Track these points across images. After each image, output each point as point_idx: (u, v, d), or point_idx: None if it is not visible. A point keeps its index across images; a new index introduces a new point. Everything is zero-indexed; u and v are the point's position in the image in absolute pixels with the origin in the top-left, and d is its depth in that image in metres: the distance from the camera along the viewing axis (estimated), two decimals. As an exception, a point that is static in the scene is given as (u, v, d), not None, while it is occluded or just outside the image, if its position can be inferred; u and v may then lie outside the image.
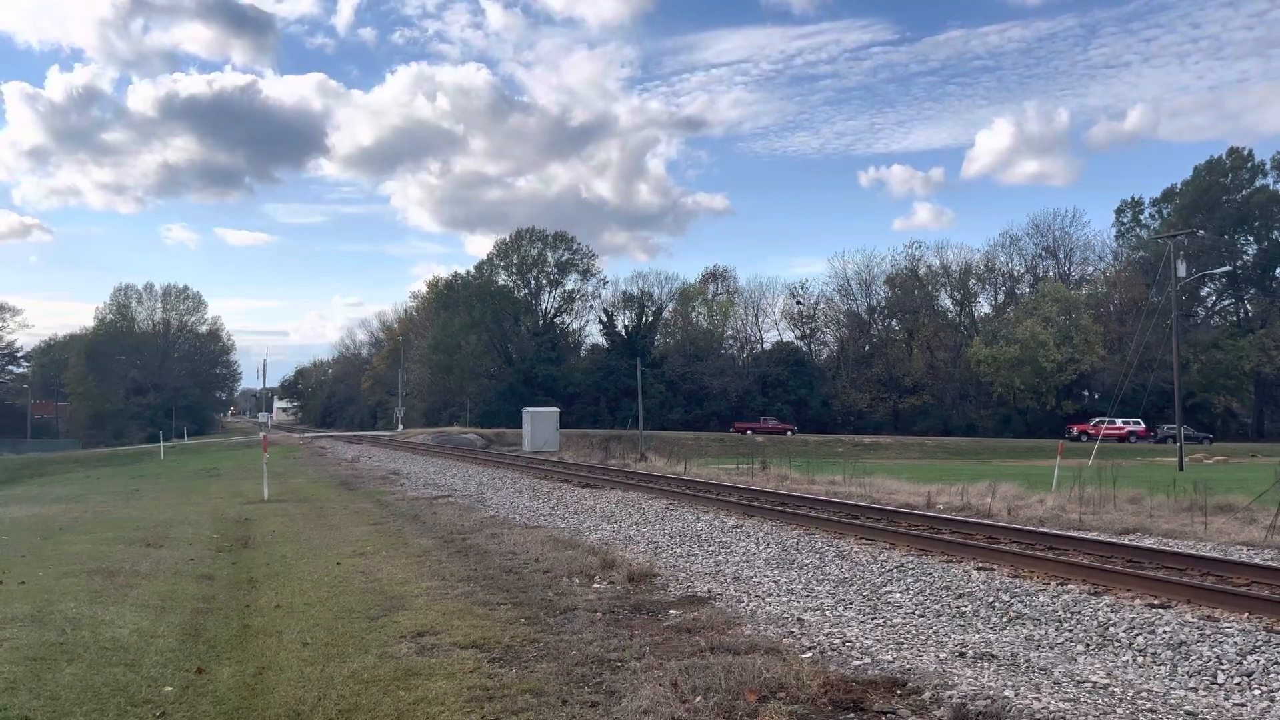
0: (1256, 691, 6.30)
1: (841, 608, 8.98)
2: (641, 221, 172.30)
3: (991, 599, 9.16)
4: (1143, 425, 64.99)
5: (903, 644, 7.51)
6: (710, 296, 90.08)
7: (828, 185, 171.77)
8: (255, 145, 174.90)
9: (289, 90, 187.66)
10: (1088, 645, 7.58)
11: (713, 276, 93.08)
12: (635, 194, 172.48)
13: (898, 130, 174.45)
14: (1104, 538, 13.19)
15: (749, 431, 68.69)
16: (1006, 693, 6.02)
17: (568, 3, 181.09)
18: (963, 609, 8.89)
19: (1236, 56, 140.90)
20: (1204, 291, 77.27)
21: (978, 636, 7.85)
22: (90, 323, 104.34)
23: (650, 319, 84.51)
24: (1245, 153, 75.66)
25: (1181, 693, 6.26)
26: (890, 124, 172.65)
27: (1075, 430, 64.51)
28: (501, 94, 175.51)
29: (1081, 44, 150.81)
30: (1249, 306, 76.69)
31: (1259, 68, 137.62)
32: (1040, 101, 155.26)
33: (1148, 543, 12.87)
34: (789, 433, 69.26)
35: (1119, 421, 63.69)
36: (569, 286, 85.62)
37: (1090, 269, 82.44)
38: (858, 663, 6.85)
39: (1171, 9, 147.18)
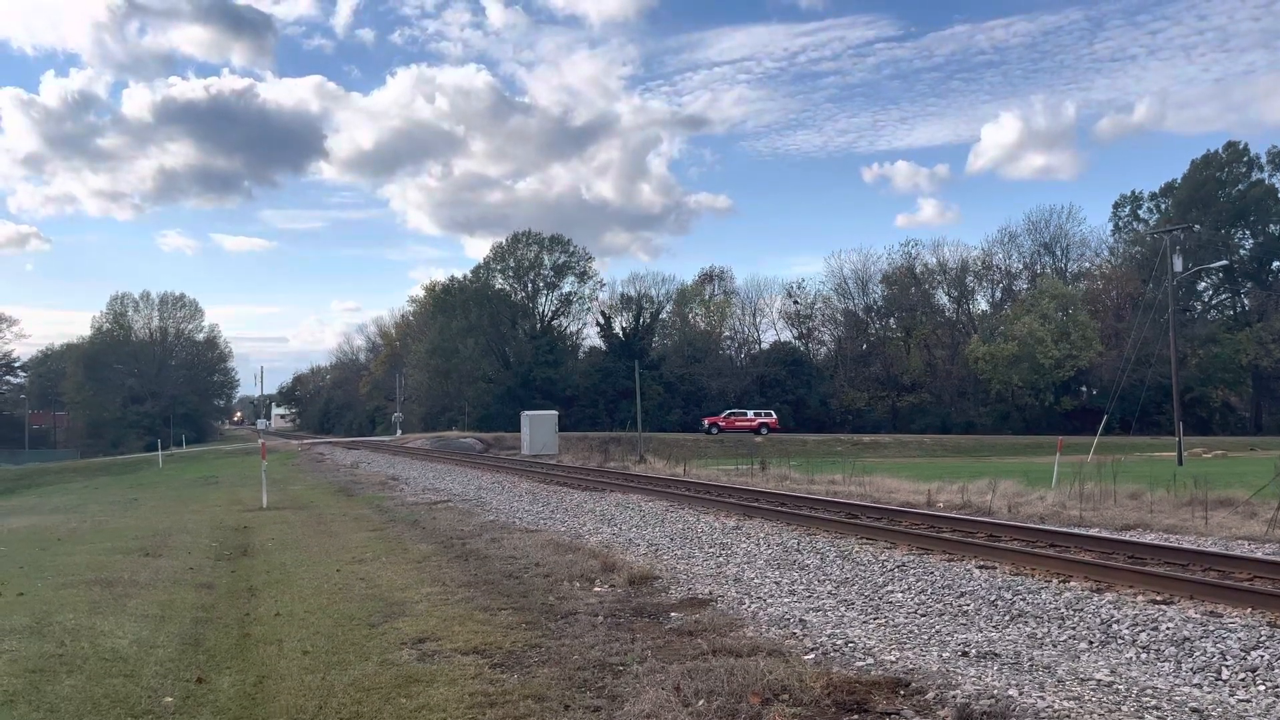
0: (1261, 687, 6.28)
1: (843, 608, 8.95)
2: (643, 222, 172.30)
3: (994, 597, 9.14)
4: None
5: (905, 644, 7.49)
6: (707, 297, 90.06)
7: (830, 183, 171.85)
8: (253, 149, 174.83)
9: (287, 93, 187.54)
10: (1091, 643, 7.55)
11: (709, 277, 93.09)
12: (637, 194, 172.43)
13: (901, 127, 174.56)
14: (1105, 534, 13.18)
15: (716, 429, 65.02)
16: (1010, 692, 6.00)
17: (569, 0, 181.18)
18: (965, 608, 8.86)
19: (1242, 49, 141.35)
20: (1201, 286, 77.29)
21: (980, 635, 7.83)
22: (87, 332, 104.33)
23: (648, 321, 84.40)
24: (1241, 147, 75.84)
25: (1186, 689, 6.24)
26: (894, 121, 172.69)
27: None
28: (502, 95, 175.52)
29: (1087, 37, 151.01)
30: (1245, 300, 76.77)
31: (1265, 59, 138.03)
32: (1046, 96, 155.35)
33: (1149, 538, 12.86)
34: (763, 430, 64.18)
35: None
36: (566, 289, 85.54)
37: (1087, 264, 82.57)
38: (860, 663, 6.83)
39: (1178, 1, 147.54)
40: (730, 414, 66.70)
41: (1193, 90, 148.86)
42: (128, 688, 6.56)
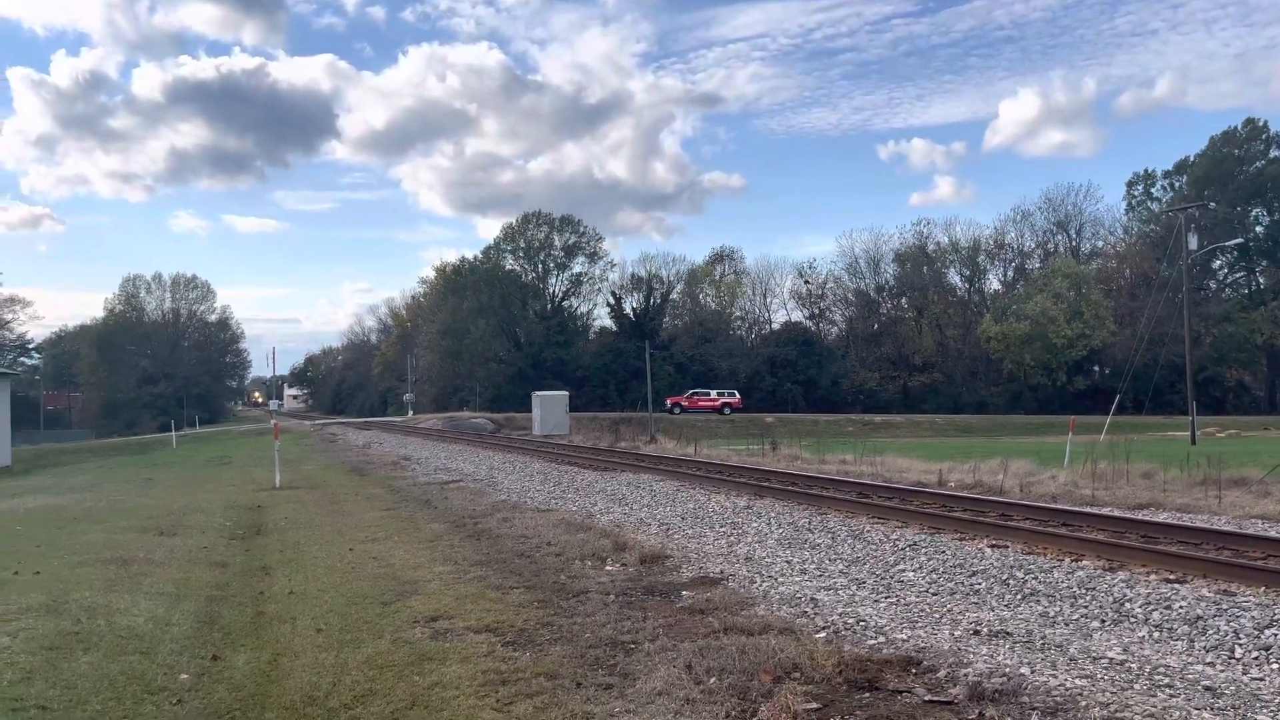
0: (1275, 665, 6.26)
1: (855, 587, 8.96)
2: (656, 202, 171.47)
3: (1005, 576, 9.12)
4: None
5: (917, 623, 7.49)
6: (718, 277, 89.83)
7: (845, 162, 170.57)
8: (265, 129, 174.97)
9: (299, 72, 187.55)
10: (1103, 621, 7.54)
11: (720, 257, 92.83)
12: (650, 173, 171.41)
13: (917, 104, 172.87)
14: (1117, 513, 13.13)
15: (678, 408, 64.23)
16: (1022, 670, 5.99)
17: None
18: (977, 587, 8.86)
19: (1265, 22, 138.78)
20: (1215, 264, 76.56)
21: (992, 614, 7.82)
22: (100, 313, 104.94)
23: (658, 301, 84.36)
24: (1261, 124, 74.92)
25: (1199, 667, 6.23)
26: (909, 98, 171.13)
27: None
28: (514, 73, 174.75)
29: (1108, 12, 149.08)
30: (1260, 279, 76.03)
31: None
32: (1065, 72, 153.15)
33: (1161, 517, 12.82)
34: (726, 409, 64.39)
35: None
36: (576, 270, 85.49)
37: (1100, 243, 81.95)
38: (872, 642, 6.83)
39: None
40: (693, 394, 67.12)
41: (1214, 65, 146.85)
42: (144, 665, 6.62)
